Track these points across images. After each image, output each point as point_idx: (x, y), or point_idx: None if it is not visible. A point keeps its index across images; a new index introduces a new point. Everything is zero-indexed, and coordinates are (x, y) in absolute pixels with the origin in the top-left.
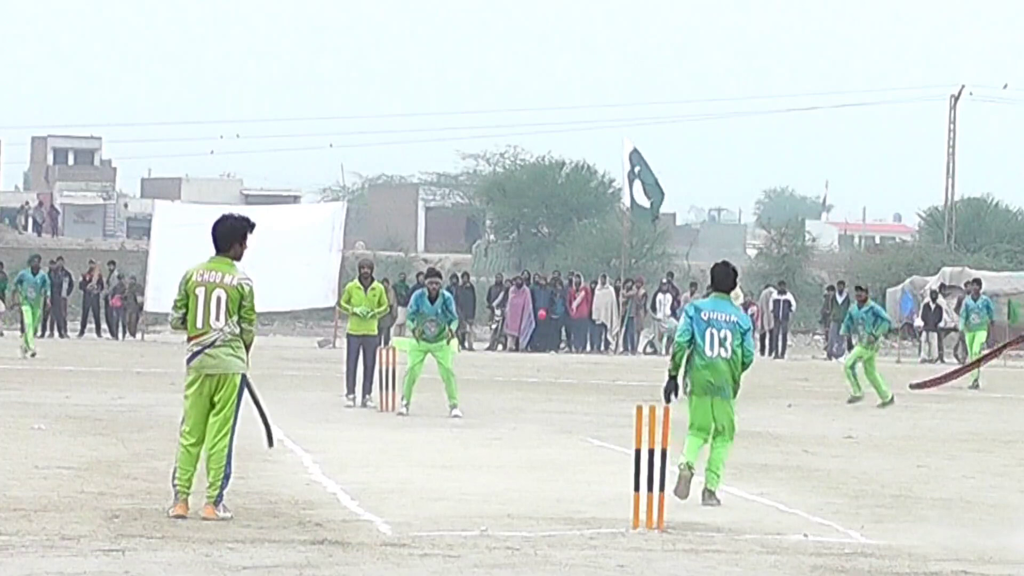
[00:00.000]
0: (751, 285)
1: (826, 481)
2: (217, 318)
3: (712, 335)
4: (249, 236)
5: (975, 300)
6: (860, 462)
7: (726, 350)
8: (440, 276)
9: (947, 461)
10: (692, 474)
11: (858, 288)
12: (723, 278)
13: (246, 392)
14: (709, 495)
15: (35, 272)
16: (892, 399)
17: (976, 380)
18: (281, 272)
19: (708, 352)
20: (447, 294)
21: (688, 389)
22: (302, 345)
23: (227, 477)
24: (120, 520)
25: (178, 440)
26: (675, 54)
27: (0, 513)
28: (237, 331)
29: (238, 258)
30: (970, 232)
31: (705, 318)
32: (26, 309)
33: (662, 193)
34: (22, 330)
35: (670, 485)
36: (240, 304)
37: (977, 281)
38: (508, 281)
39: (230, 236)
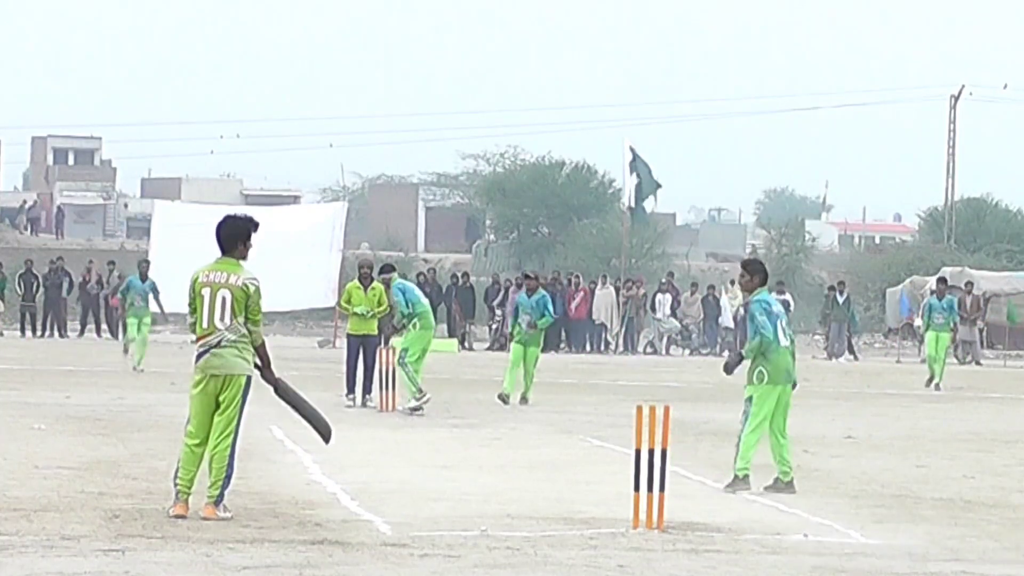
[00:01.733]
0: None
1: (826, 481)
2: (222, 318)
3: (780, 326)
4: (253, 236)
5: (940, 300)
6: (860, 462)
7: (787, 337)
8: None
9: (947, 461)
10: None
11: (940, 280)
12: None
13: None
14: (788, 485)
15: (144, 279)
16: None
17: (937, 382)
18: (281, 272)
19: (783, 341)
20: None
21: (765, 380)
22: (302, 345)
23: (228, 478)
24: (120, 520)
25: (182, 439)
26: (675, 54)
27: (0, 513)
28: (243, 332)
29: (243, 258)
30: (970, 232)
31: (774, 311)
32: (131, 321)
33: (656, 184)
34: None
35: (671, 485)
36: (246, 304)
37: (943, 280)
38: (508, 281)
39: (234, 237)
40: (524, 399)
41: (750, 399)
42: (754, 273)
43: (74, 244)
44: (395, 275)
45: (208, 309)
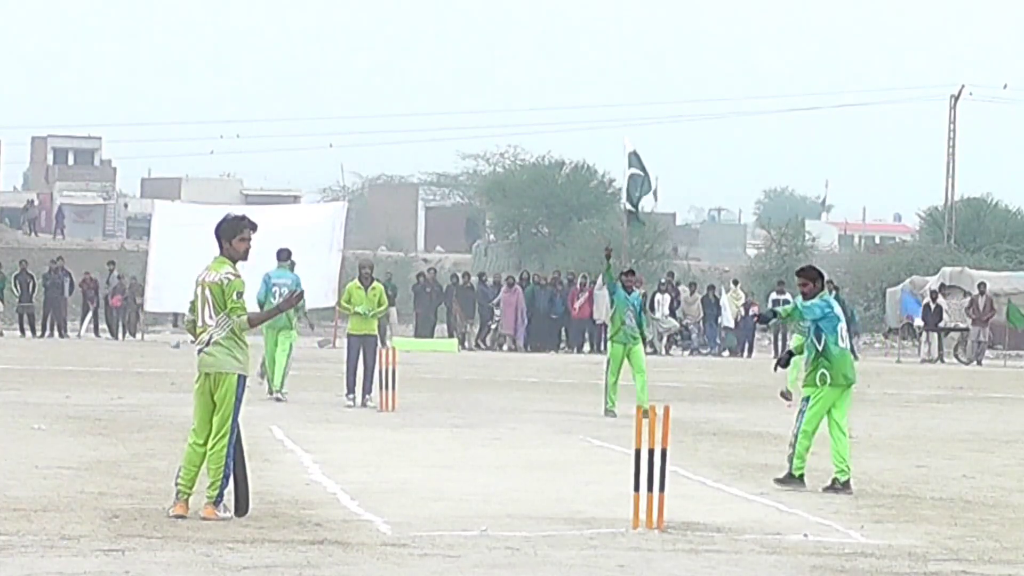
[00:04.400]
0: (751, 285)
1: (826, 481)
2: (210, 316)
3: (842, 329)
4: (246, 234)
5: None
6: (860, 462)
7: (846, 342)
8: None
9: (947, 461)
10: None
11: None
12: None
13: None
14: (844, 486)
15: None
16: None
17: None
18: None
19: (841, 343)
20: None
21: (828, 382)
22: (302, 345)
23: (227, 477)
24: (120, 520)
25: (188, 439)
26: (675, 54)
27: (0, 513)
28: (232, 329)
29: (236, 256)
30: (970, 232)
31: (837, 313)
32: (268, 334)
33: (650, 187)
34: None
35: (671, 485)
36: (224, 300)
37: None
38: (508, 279)
39: (220, 234)
40: (643, 411)
41: (807, 399)
42: (809, 280)
43: (74, 244)
44: (284, 263)
45: (200, 307)
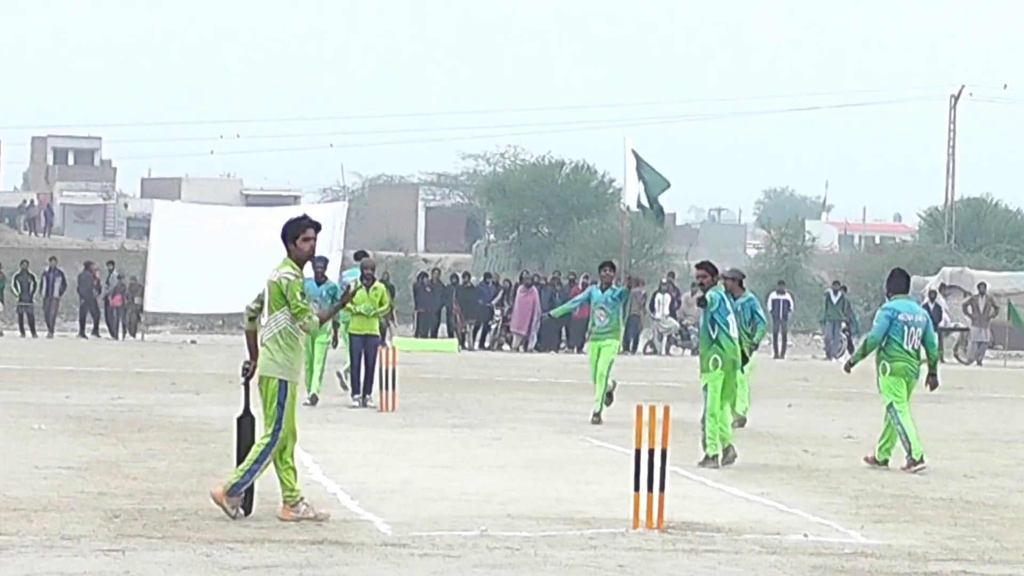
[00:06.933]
0: (752, 285)
1: (826, 481)
2: (268, 313)
3: (732, 321)
4: (309, 233)
5: (603, 291)
6: (860, 462)
7: (736, 332)
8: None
9: (947, 461)
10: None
11: (605, 266)
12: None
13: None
14: (712, 459)
15: (320, 280)
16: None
17: (596, 410)
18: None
19: (733, 333)
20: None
21: (720, 366)
22: None
23: (251, 473)
24: (120, 520)
25: None
26: (675, 54)
27: (0, 513)
28: (282, 329)
29: (303, 257)
30: (970, 232)
31: (727, 307)
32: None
33: (667, 183)
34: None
35: (671, 485)
36: (284, 298)
37: (609, 265)
38: (507, 281)
39: (285, 238)
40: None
41: (706, 387)
42: (708, 273)
43: (74, 244)
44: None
45: (265, 305)
